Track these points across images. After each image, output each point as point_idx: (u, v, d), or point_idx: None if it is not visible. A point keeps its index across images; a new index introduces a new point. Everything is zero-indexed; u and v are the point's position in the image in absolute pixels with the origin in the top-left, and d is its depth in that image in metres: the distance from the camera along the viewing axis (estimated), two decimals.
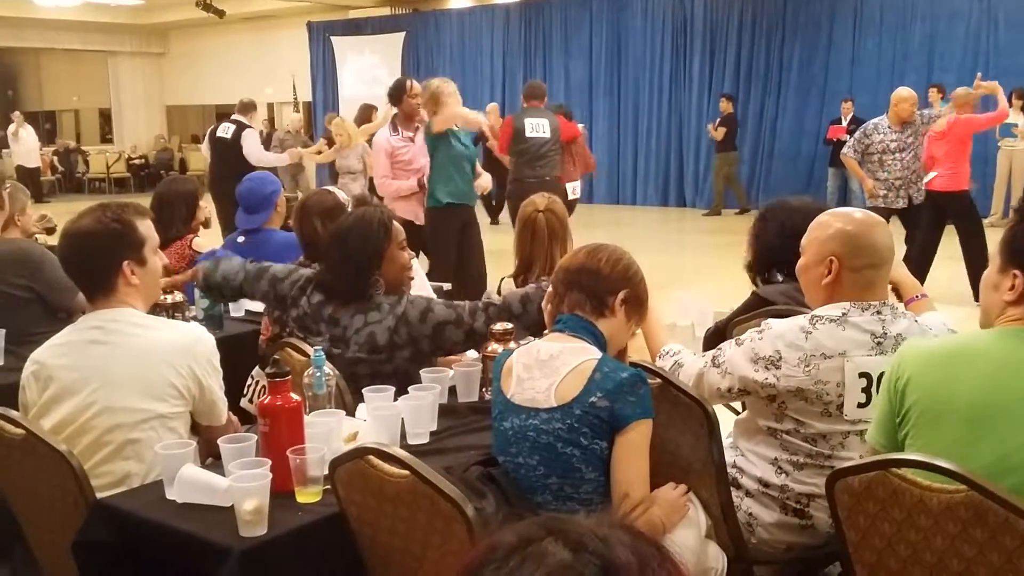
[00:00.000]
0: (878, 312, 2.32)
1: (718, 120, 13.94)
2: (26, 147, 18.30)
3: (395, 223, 3.05)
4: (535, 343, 2.27)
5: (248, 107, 9.27)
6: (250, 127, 9.05)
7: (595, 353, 2.16)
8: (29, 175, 18.45)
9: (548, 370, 2.16)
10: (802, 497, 2.39)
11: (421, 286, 3.57)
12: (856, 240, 2.33)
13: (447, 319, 2.92)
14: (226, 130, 9.11)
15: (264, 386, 3.16)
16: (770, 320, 2.40)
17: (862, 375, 2.28)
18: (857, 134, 7.72)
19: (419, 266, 3.75)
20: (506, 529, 0.85)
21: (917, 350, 1.98)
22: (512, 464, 2.19)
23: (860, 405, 2.29)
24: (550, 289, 2.33)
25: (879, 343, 2.29)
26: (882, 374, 2.26)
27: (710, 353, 2.48)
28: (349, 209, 3.65)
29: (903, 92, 7.49)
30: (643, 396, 2.11)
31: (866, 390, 2.28)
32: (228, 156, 8.83)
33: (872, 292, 2.35)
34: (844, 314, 2.31)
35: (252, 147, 8.84)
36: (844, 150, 7.81)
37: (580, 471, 2.12)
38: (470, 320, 2.91)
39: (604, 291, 2.21)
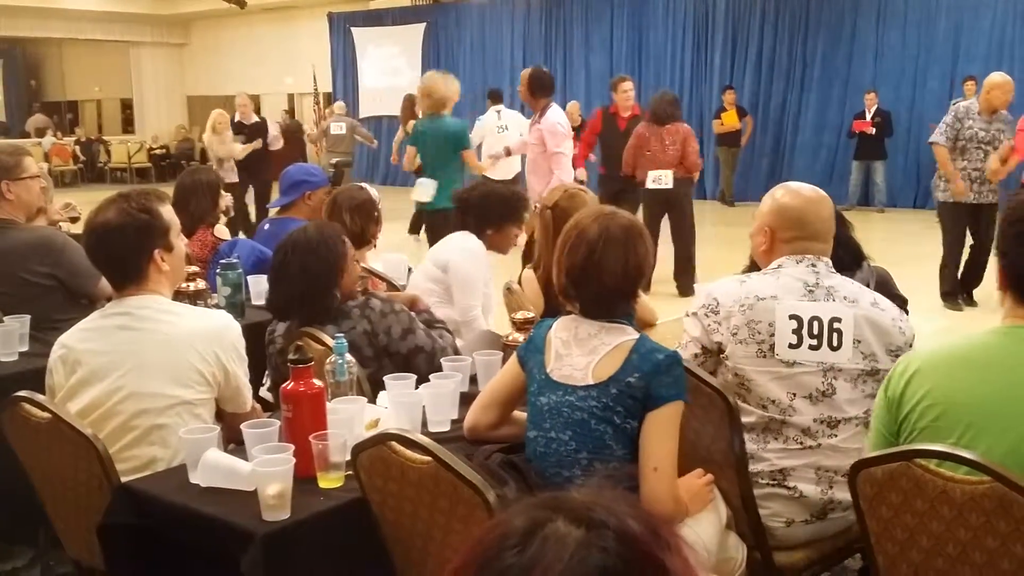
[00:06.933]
0: (812, 265, 2.46)
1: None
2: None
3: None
4: (573, 317, 2.26)
5: None
6: None
7: (632, 333, 2.19)
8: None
9: (586, 349, 2.18)
10: (776, 473, 2.43)
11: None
12: (787, 213, 2.49)
13: (423, 347, 2.97)
14: None
15: None
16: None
17: (792, 317, 2.39)
18: (948, 119, 6.94)
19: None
20: (509, 513, 0.84)
21: (929, 357, 1.95)
22: (544, 439, 2.21)
23: (792, 346, 2.39)
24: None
25: (811, 291, 2.42)
26: (813, 318, 2.37)
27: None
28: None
29: (997, 78, 6.81)
30: (678, 378, 2.14)
31: (796, 331, 2.39)
32: None
33: (809, 254, 2.48)
34: (779, 266, 2.48)
35: None
36: (935, 137, 6.97)
37: (611, 448, 2.14)
38: (439, 353, 2.96)
39: (630, 292, 2.25)
